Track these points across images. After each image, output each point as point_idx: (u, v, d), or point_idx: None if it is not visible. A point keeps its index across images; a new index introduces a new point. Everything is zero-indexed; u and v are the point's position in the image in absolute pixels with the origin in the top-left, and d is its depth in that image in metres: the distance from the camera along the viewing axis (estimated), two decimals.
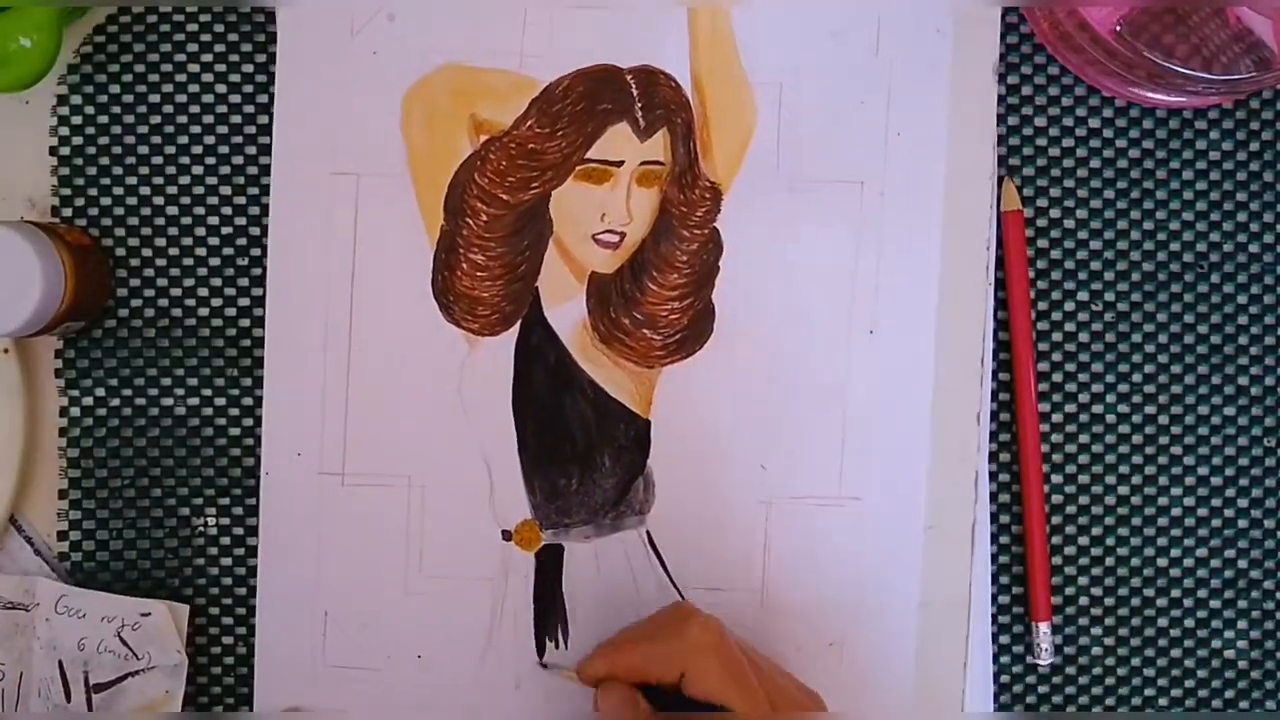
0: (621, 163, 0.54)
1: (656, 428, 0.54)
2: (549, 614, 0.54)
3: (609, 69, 0.54)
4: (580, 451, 0.54)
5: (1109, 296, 0.56)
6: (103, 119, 0.55)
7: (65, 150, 0.55)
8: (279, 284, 0.54)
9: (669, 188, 0.54)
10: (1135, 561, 0.56)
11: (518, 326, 0.54)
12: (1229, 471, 0.56)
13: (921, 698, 0.54)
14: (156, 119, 0.55)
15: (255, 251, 0.55)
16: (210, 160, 0.55)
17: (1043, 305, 0.56)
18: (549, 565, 0.54)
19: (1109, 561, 0.56)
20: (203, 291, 0.55)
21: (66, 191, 0.55)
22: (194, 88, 0.55)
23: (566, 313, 0.54)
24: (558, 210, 0.54)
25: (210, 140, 0.55)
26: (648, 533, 0.54)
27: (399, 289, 0.54)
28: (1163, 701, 0.56)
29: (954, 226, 0.54)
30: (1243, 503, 0.56)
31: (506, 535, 0.54)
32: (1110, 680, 0.56)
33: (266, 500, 0.54)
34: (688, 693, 0.47)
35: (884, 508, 0.54)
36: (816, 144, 0.54)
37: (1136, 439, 0.56)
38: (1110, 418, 0.56)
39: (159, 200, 0.55)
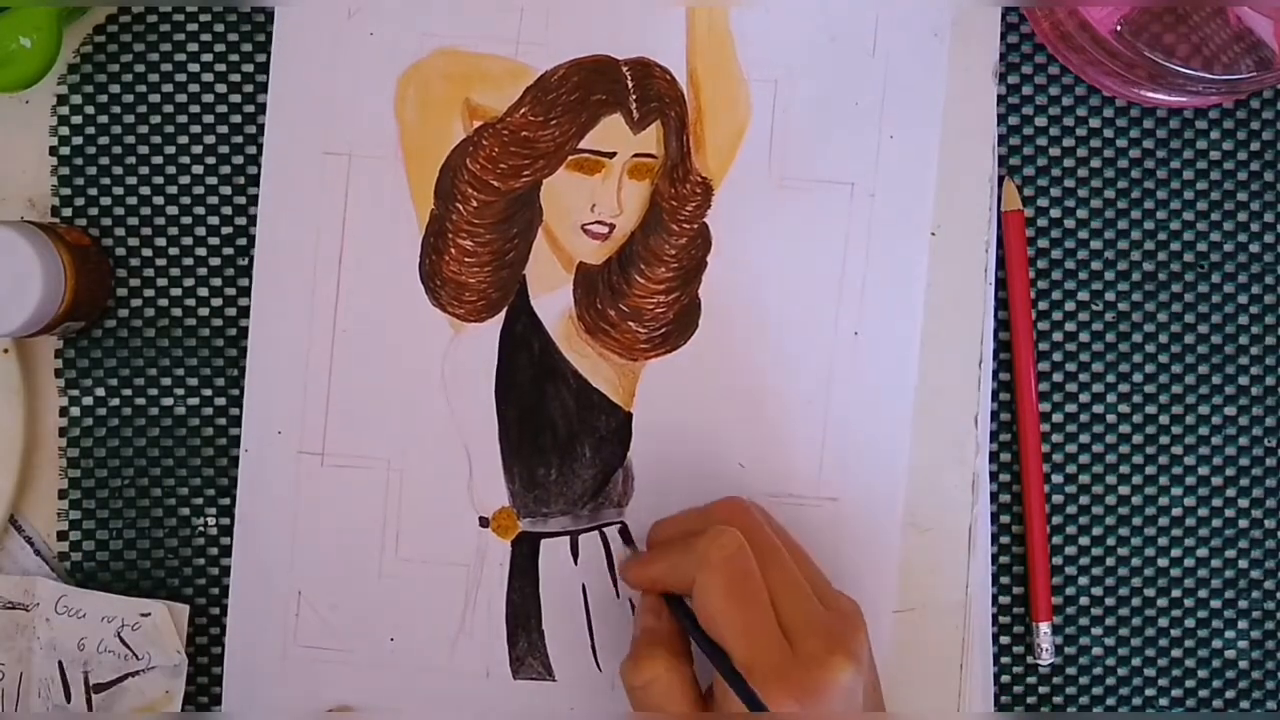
0: (614, 154, 0.54)
1: (638, 421, 0.54)
2: (523, 602, 0.54)
3: (605, 59, 0.54)
4: (561, 441, 0.54)
5: (1109, 296, 0.56)
6: (103, 119, 0.55)
7: (65, 150, 0.55)
8: (266, 261, 0.54)
9: (660, 181, 0.54)
10: (1136, 561, 0.56)
11: (503, 314, 0.54)
12: (1229, 471, 0.56)
13: (920, 698, 0.54)
14: (156, 119, 0.55)
15: (255, 252, 0.55)
16: (210, 160, 0.55)
17: (1043, 305, 0.56)
18: (525, 554, 0.54)
19: (1109, 561, 0.56)
20: (203, 291, 0.55)
21: (66, 191, 0.55)
22: (194, 88, 0.55)
23: (553, 302, 0.54)
24: (548, 199, 0.54)
25: (210, 140, 0.55)
26: (624, 526, 0.54)
27: (386, 271, 0.54)
28: (1163, 701, 0.56)
29: (954, 226, 0.54)
30: (1243, 503, 0.56)
31: (484, 522, 0.54)
32: (1111, 680, 0.56)
33: (245, 477, 0.54)
34: (695, 610, 0.45)
35: (861, 510, 0.54)
36: (809, 144, 0.54)
37: (1137, 439, 0.56)
38: (1111, 418, 0.56)
39: (159, 200, 0.55)
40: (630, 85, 0.54)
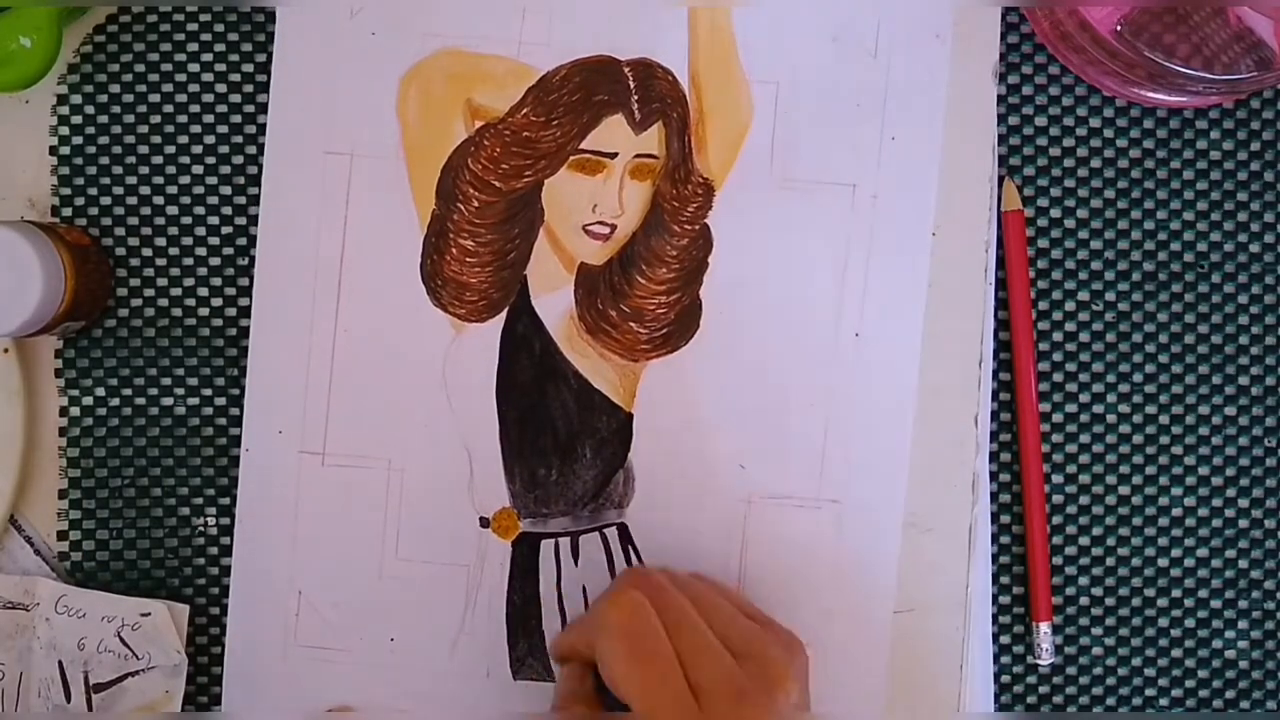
0: (615, 155, 0.54)
1: (639, 422, 0.54)
2: (523, 603, 0.54)
3: (607, 60, 0.54)
4: (561, 442, 0.54)
5: (1109, 296, 0.56)
6: (103, 119, 0.55)
7: (65, 150, 0.55)
8: (267, 260, 0.54)
9: (662, 182, 0.54)
10: (1136, 561, 0.56)
11: (504, 314, 0.54)
12: (1230, 471, 0.56)
13: (920, 698, 0.54)
14: (156, 119, 0.55)
15: (256, 251, 0.55)
16: (210, 160, 0.55)
17: (1043, 305, 0.56)
18: (525, 554, 0.54)
19: (1109, 561, 0.56)
20: (202, 291, 0.55)
21: (66, 191, 0.55)
22: (194, 88, 0.55)
23: (554, 302, 0.54)
24: (549, 199, 0.54)
25: (210, 140, 0.55)
26: (624, 527, 0.54)
27: (387, 271, 0.54)
28: (1163, 701, 0.56)
29: (954, 226, 0.54)
30: (1243, 503, 0.56)
31: (484, 523, 0.54)
32: (1111, 680, 0.56)
33: (245, 477, 0.54)
34: (601, 674, 0.45)
35: (863, 511, 0.54)
36: (811, 145, 0.54)
37: (1137, 439, 0.56)
38: (1111, 418, 0.56)
39: (159, 200, 0.55)
40: (632, 86, 0.54)
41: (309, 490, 0.54)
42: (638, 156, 0.54)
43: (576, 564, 0.54)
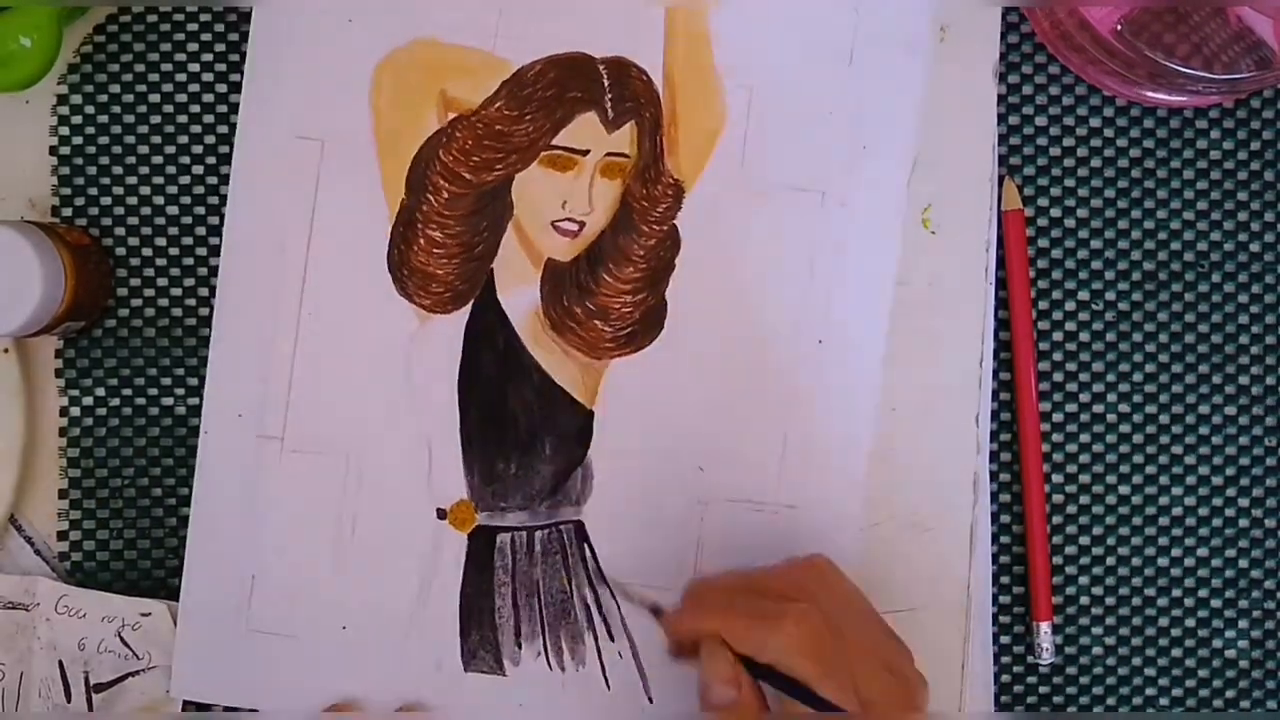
0: (587, 152, 0.54)
1: (599, 420, 0.54)
2: (477, 596, 0.54)
3: (582, 57, 0.54)
4: (521, 437, 0.54)
5: (1110, 296, 0.56)
6: (103, 119, 0.55)
7: (65, 150, 0.55)
8: (233, 242, 0.54)
9: (632, 181, 0.54)
10: (1136, 561, 0.56)
11: (469, 307, 0.54)
12: (1229, 471, 0.56)
13: None
14: (156, 119, 0.55)
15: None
16: (210, 160, 0.55)
17: (1043, 305, 0.56)
18: (481, 547, 0.54)
19: (1110, 561, 0.56)
20: (203, 291, 0.55)
21: (66, 191, 0.55)
22: (194, 88, 0.55)
23: (519, 297, 0.54)
24: (519, 194, 0.54)
25: (210, 140, 0.55)
26: (580, 524, 0.54)
27: (354, 258, 0.54)
28: (1163, 701, 0.56)
29: (954, 226, 0.54)
30: (1243, 502, 0.56)
31: (441, 514, 0.54)
32: (1111, 680, 0.56)
33: (203, 460, 0.54)
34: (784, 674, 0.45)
35: (819, 517, 0.54)
36: (782, 151, 0.54)
37: (1137, 439, 0.56)
38: (1111, 417, 0.56)
39: (159, 200, 0.55)
40: (606, 84, 0.54)
41: (266, 475, 0.54)
42: (609, 155, 0.54)
43: (532, 559, 0.54)
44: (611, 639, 0.54)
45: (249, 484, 0.54)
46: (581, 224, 0.54)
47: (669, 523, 0.54)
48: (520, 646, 0.54)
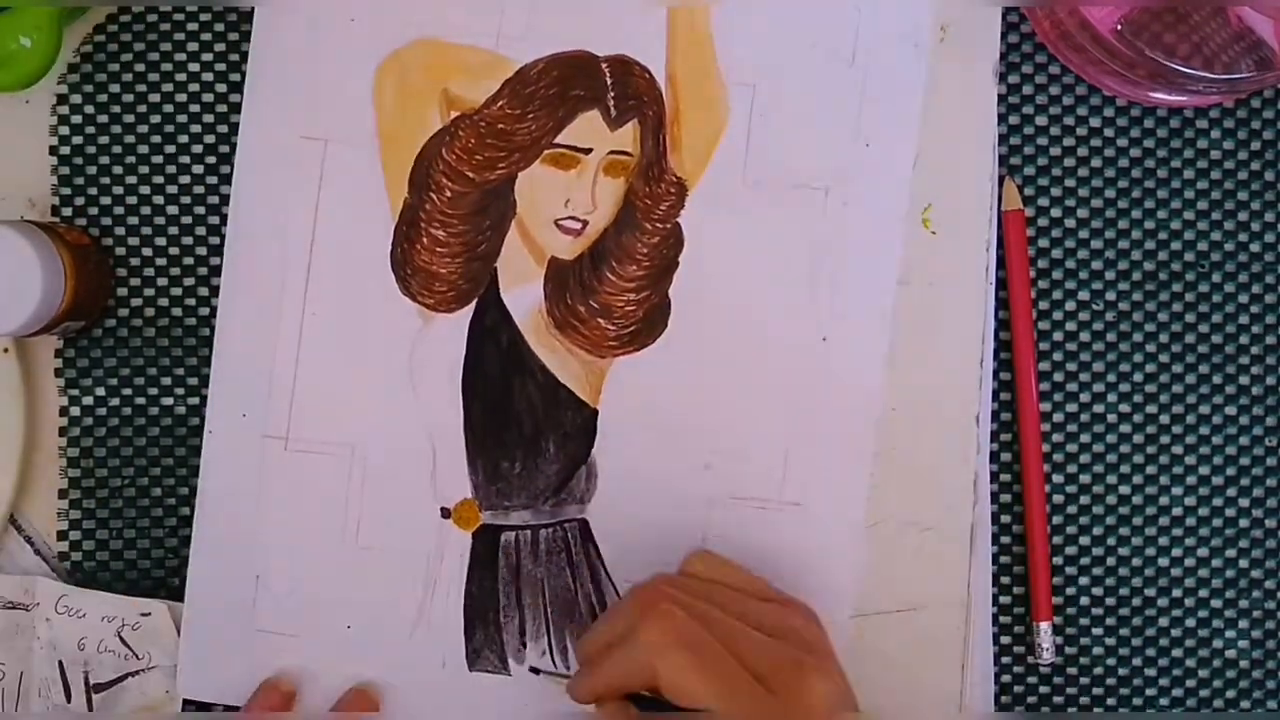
0: (590, 150, 0.54)
1: (604, 418, 0.54)
2: (481, 595, 0.54)
3: (585, 55, 0.54)
4: (526, 436, 0.54)
5: (1110, 296, 0.56)
6: (103, 119, 0.55)
7: (65, 150, 0.55)
8: (237, 241, 0.54)
9: (635, 179, 0.54)
10: (1136, 561, 0.56)
11: (473, 305, 0.54)
12: (1230, 471, 0.56)
13: (920, 698, 0.54)
14: (156, 119, 0.55)
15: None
16: (210, 160, 0.55)
17: (1044, 305, 0.56)
18: (485, 546, 0.54)
19: (1110, 561, 0.56)
20: (203, 291, 0.55)
21: (66, 191, 0.55)
22: (194, 87, 0.55)
23: (523, 296, 0.54)
24: (522, 193, 0.54)
25: (211, 140, 0.55)
26: (585, 523, 0.54)
27: (357, 258, 0.54)
28: (1164, 701, 0.56)
29: (954, 226, 0.54)
30: (1244, 502, 0.56)
31: (445, 513, 0.54)
32: (1111, 680, 0.56)
33: (207, 459, 0.54)
34: (667, 696, 0.44)
35: (823, 515, 0.54)
36: (785, 149, 0.54)
37: (1137, 439, 0.56)
38: (1111, 417, 0.56)
39: (159, 200, 0.55)
40: (609, 82, 0.54)
41: (270, 475, 0.54)
42: (612, 153, 0.54)
43: (536, 558, 0.54)
44: None
45: (253, 484, 0.54)
46: (584, 222, 0.54)
47: (675, 520, 0.54)
48: (525, 646, 0.54)
